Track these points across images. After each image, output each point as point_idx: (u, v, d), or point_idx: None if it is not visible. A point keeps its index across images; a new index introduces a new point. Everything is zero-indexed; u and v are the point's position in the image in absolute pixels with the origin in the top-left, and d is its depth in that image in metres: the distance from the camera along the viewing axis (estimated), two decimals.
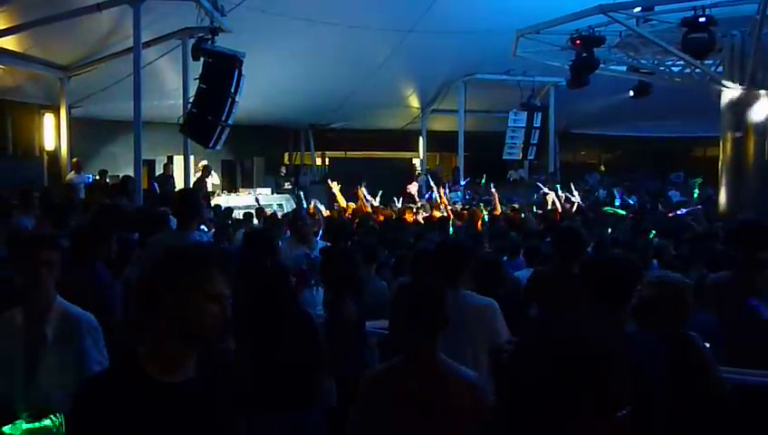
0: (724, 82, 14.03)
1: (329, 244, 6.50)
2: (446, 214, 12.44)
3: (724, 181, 14.48)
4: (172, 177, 16.18)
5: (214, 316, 2.12)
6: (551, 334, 1.55)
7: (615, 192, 16.01)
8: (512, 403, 1.53)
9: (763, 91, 13.70)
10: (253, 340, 4.05)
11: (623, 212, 12.52)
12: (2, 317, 3.49)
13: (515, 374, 1.54)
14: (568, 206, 14.18)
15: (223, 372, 2.28)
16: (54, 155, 16.62)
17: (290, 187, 19.12)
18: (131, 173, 12.23)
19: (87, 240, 4.83)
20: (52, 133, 16.58)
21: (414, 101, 21.72)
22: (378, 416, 2.95)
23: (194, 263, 2.16)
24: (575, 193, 15.11)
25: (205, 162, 16.71)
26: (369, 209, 13.18)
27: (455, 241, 4.79)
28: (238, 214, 12.94)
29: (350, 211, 13.08)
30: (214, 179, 16.95)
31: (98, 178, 15.39)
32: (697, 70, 14.55)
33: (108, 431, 2.05)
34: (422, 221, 11.90)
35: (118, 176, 14.32)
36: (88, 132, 17.20)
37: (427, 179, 17.28)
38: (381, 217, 12.13)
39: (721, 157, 14.61)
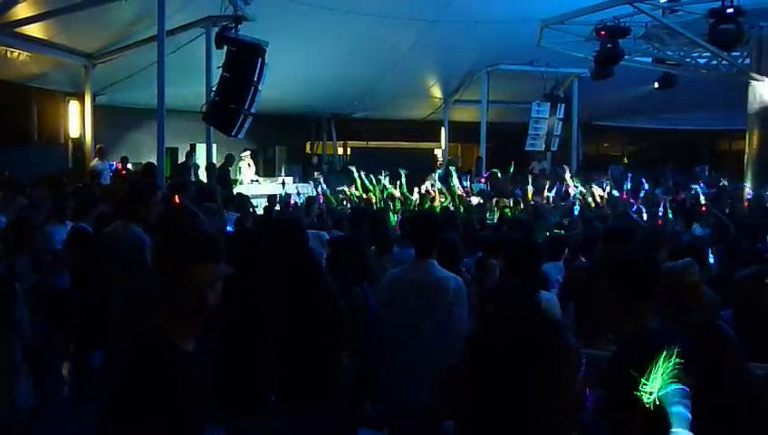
0: (751, 74, 13.85)
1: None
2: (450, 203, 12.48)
3: (749, 175, 14.31)
4: (191, 166, 16.28)
5: (207, 299, 2.32)
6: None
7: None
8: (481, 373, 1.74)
9: None
10: (282, 326, 4.07)
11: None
12: None
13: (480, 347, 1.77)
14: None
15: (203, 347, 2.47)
16: (79, 142, 16.78)
17: (318, 175, 19.23)
18: (154, 160, 12.32)
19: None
20: (76, 121, 16.73)
21: (436, 92, 21.64)
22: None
23: (183, 249, 2.35)
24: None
25: (247, 152, 17.61)
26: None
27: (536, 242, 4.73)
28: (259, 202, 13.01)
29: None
30: (244, 168, 17.20)
31: (119, 165, 15.54)
32: (724, 62, 14.39)
33: (158, 385, 2.24)
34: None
35: (141, 163, 14.43)
36: (112, 120, 17.33)
37: (445, 171, 17.21)
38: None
39: (747, 150, 14.45)
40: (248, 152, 17.83)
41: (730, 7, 11.46)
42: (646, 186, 14.02)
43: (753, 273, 4.60)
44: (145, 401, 2.19)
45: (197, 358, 2.42)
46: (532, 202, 13.07)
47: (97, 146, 15.92)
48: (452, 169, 16.01)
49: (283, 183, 13.72)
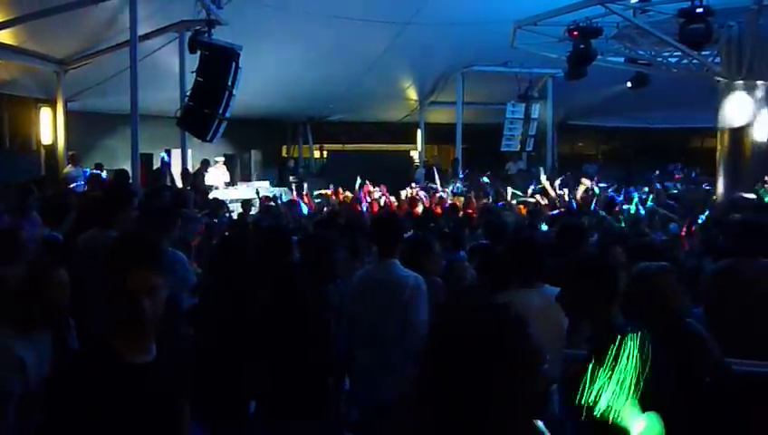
0: (721, 72, 14.02)
1: None
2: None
3: (721, 172, 14.49)
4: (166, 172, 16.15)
5: (146, 308, 2.22)
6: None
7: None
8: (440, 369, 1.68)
9: (760, 82, 13.73)
10: (270, 340, 4.04)
11: None
12: None
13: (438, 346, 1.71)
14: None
15: (179, 357, 2.41)
16: (51, 149, 16.59)
17: (295, 180, 19.12)
18: (128, 167, 12.21)
19: None
20: (48, 127, 16.52)
21: (412, 94, 21.68)
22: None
23: (120, 257, 2.30)
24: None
25: (221, 158, 17.64)
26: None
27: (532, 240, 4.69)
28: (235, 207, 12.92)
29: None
30: (218, 173, 17.09)
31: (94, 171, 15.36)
32: (695, 61, 14.53)
33: (88, 409, 2.13)
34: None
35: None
36: (85, 126, 17.17)
37: (431, 172, 17.21)
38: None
39: (719, 148, 14.62)
40: (222, 158, 17.72)
41: (699, 7, 11.59)
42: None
43: (723, 267, 4.64)
44: (68, 424, 2.11)
45: (156, 367, 2.30)
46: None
47: (70, 153, 15.75)
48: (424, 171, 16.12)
49: (257, 191, 13.60)
